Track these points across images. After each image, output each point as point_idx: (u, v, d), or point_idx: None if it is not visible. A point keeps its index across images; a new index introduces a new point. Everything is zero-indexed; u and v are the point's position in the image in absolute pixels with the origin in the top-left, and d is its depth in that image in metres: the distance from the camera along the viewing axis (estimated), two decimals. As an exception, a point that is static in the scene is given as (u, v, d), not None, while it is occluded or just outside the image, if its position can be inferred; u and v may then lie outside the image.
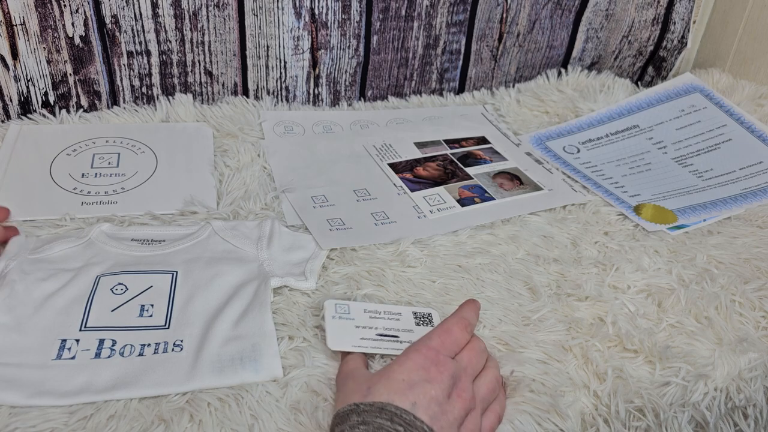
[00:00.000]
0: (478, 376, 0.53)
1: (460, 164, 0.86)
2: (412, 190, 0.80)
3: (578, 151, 0.91)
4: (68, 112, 0.86)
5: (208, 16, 0.87)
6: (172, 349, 0.55)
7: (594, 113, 0.97)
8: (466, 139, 0.92)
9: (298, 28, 0.90)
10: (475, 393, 0.51)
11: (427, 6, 0.96)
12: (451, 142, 0.91)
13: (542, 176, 0.85)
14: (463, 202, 0.79)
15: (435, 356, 0.50)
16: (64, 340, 0.55)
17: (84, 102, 0.88)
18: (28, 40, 0.80)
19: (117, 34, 0.84)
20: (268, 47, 0.91)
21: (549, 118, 0.99)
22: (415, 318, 0.60)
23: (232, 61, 0.91)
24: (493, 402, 0.53)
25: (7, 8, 0.78)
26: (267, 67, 0.93)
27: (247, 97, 0.94)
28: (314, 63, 0.94)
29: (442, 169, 0.85)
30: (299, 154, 0.85)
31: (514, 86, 1.06)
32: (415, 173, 0.84)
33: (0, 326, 0.55)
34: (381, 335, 0.58)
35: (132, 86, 0.89)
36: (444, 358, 0.50)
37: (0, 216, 0.66)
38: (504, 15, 1.01)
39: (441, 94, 1.04)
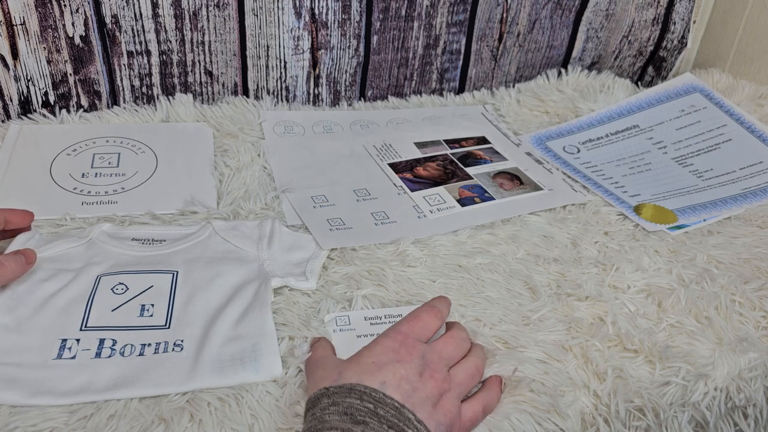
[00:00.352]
0: (457, 363, 0.53)
1: (460, 164, 0.86)
2: (412, 190, 0.80)
3: (578, 151, 0.91)
4: (68, 112, 0.86)
5: (208, 16, 0.87)
6: (173, 349, 0.55)
7: (594, 113, 0.97)
8: (466, 139, 0.92)
9: (298, 28, 0.91)
10: (451, 376, 0.51)
11: (427, 6, 0.96)
12: (451, 142, 0.91)
13: (542, 176, 0.85)
14: (463, 202, 0.79)
15: (404, 339, 0.50)
16: (64, 340, 0.55)
17: (84, 102, 0.88)
18: (28, 40, 0.81)
19: (117, 34, 0.84)
20: (268, 47, 0.91)
21: (549, 118, 0.99)
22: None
23: (232, 61, 0.91)
24: (480, 392, 0.53)
25: (7, 8, 0.78)
26: (267, 67, 0.93)
27: (247, 97, 0.94)
28: (314, 63, 0.94)
29: (442, 169, 0.85)
30: (299, 154, 0.85)
31: (514, 86, 1.06)
32: (415, 173, 0.84)
33: (0, 326, 0.55)
34: None
35: (132, 86, 0.89)
36: (413, 341, 0.50)
37: (25, 220, 0.64)
38: (504, 15, 1.01)
39: (441, 94, 1.04)
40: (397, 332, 0.51)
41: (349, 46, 0.95)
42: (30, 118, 0.84)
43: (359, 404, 0.45)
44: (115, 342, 0.56)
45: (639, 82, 1.15)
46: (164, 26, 0.86)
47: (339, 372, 0.48)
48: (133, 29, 0.85)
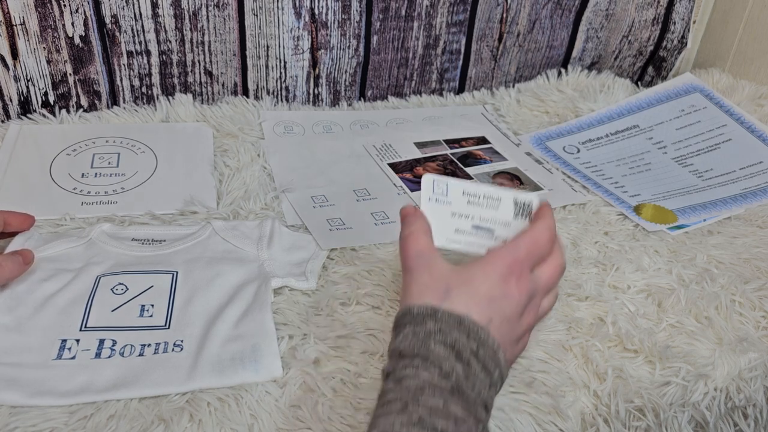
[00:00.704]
0: (548, 293, 0.51)
1: (460, 164, 0.86)
2: (412, 190, 0.80)
3: (578, 151, 0.91)
4: (68, 112, 0.86)
5: (208, 16, 0.87)
6: (173, 349, 0.55)
7: (594, 113, 0.97)
8: (466, 139, 0.92)
9: (298, 28, 0.91)
10: (540, 307, 0.51)
11: (427, 6, 0.96)
12: (451, 142, 0.91)
13: (542, 176, 0.85)
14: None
15: (519, 270, 0.48)
16: (64, 340, 0.55)
17: (84, 102, 0.88)
18: (28, 40, 0.80)
19: (117, 34, 0.84)
20: (268, 47, 0.91)
21: (549, 118, 0.99)
22: (516, 207, 0.54)
23: (232, 61, 0.91)
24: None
25: (7, 8, 0.78)
26: (267, 67, 0.93)
27: (247, 97, 0.94)
28: (314, 63, 0.94)
29: (442, 169, 0.85)
30: (299, 154, 0.85)
31: (514, 86, 1.06)
32: (415, 173, 0.84)
33: (0, 326, 0.55)
34: (476, 227, 0.53)
35: (132, 86, 0.89)
36: (526, 273, 0.48)
37: (25, 223, 0.65)
38: (504, 15, 1.01)
39: (441, 94, 1.04)
40: (515, 260, 0.48)
41: (349, 46, 0.95)
42: (30, 118, 0.84)
43: (465, 341, 0.44)
44: (114, 342, 0.56)
45: (639, 82, 1.15)
46: (164, 26, 0.86)
47: (446, 289, 0.46)
48: (132, 29, 0.85)
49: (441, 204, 0.53)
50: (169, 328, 0.57)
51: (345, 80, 0.98)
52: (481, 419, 0.43)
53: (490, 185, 0.57)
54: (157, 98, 0.90)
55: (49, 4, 0.79)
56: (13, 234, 0.64)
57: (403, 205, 0.53)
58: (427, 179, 0.54)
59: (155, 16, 0.84)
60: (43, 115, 0.85)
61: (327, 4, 0.90)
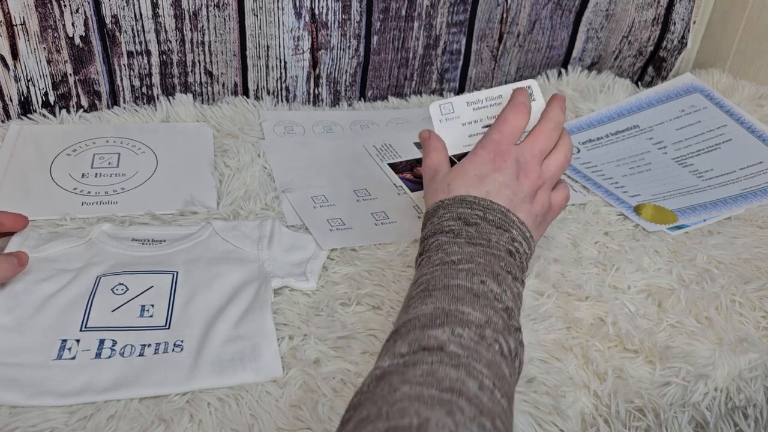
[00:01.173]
0: (548, 155, 0.58)
1: (460, 164, 0.86)
2: (413, 190, 0.80)
3: (578, 151, 0.91)
4: (68, 112, 0.86)
5: (208, 16, 0.87)
6: (173, 350, 0.55)
7: (594, 113, 0.97)
8: (466, 139, 0.92)
9: (298, 28, 0.91)
10: (543, 171, 0.58)
11: (427, 6, 0.96)
12: (451, 142, 0.91)
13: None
14: (463, 202, 0.79)
15: (497, 147, 0.57)
16: (64, 341, 0.55)
17: (84, 102, 0.88)
18: (28, 40, 0.81)
19: (117, 34, 0.84)
20: (268, 47, 0.91)
21: (549, 118, 0.99)
22: None
23: (232, 61, 0.91)
24: (559, 151, 0.59)
25: (7, 8, 0.78)
26: (267, 67, 0.93)
27: (247, 97, 0.94)
28: (314, 63, 0.94)
29: (442, 169, 0.85)
30: (299, 154, 0.85)
31: (514, 86, 1.06)
32: (415, 173, 0.84)
33: (0, 326, 0.55)
34: (486, 126, 0.62)
35: (132, 86, 0.89)
36: (506, 146, 0.57)
37: (18, 223, 0.65)
38: (504, 15, 1.01)
39: (441, 95, 1.04)
40: (490, 141, 0.57)
41: (349, 46, 0.95)
42: (30, 119, 0.84)
43: (470, 212, 0.54)
44: (115, 342, 0.56)
45: (639, 82, 1.15)
46: (164, 26, 0.86)
47: (448, 184, 0.56)
48: (133, 29, 0.85)
49: (451, 120, 0.63)
50: (169, 328, 0.57)
51: (345, 80, 0.98)
52: (504, 258, 0.51)
53: (490, 89, 0.65)
54: (158, 98, 0.90)
55: (49, 4, 0.79)
56: (6, 234, 0.64)
57: (420, 131, 0.64)
58: (434, 106, 0.63)
59: (155, 16, 0.84)
60: (44, 115, 0.85)
61: (327, 5, 0.90)
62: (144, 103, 0.90)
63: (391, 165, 0.85)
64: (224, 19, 0.88)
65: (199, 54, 0.89)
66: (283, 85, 0.95)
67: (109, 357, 0.54)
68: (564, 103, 0.60)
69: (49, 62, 0.83)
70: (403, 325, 0.46)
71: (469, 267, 0.49)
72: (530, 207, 0.56)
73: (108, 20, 0.83)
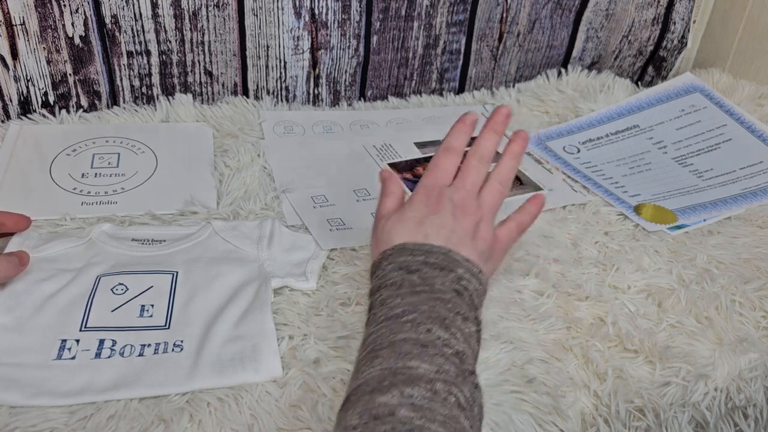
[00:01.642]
0: (481, 188, 0.59)
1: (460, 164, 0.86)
2: (413, 190, 0.80)
3: (578, 151, 0.91)
4: (68, 112, 0.86)
5: (208, 16, 0.87)
6: (173, 350, 0.55)
7: (594, 113, 0.97)
8: (466, 139, 0.92)
9: (298, 28, 0.90)
10: (480, 204, 0.58)
11: (427, 6, 0.96)
12: (451, 142, 0.91)
13: (542, 176, 0.85)
14: (463, 202, 0.79)
15: (429, 192, 0.58)
16: (64, 341, 0.55)
17: (84, 102, 0.88)
18: (28, 40, 0.80)
19: (117, 34, 0.84)
20: (268, 47, 0.91)
21: (549, 118, 0.99)
22: None
23: (232, 61, 0.91)
24: (514, 212, 0.61)
25: (7, 8, 0.78)
26: (267, 67, 0.93)
27: (247, 97, 0.94)
28: (314, 63, 0.94)
29: (442, 169, 0.85)
30: (299, 154, 0.85)
31: (514, 86, 1.06)
32: (415, 173, 0.84)
33: (0, 326, 0.55)
34: None
35: (132, 86, 0.89)
36: (438, 189, 0.58)
37: (20, 224, 0.65)
38: (504, 15, 1.01)
39: (441, 94, 1.04)
40: (423, 186, 0.59)
41: (349, 46, 0.95)
42: (30, 119, 0.84)
43: (411, 258, 0.53)
44: (114, 342, 0.56)
45: (639, 82, 1.15)
46: (164, 26, 0.86)
47: (389, 233, 0.56)
48: (132, 29, 0.85)
49: None
50: (169, 328, 0.57)
51: (345, 80, 0.98)
52: (450, 300, 0.50)
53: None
54: (157, 98, 0.90)
55: (49, 4, 0.79)
56: (8, 235, 0.64)
57: (381, 170, 0.64)
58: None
59: (155, 16, 0.84)
60: (43, 115, 0.85)
61: (327, 4, 0.90)
62: (144, 103, 0.90)
63: (391, 165, 0.85)
64: (224, 19, 0.88)
65: (198, 54, 0.89)
66: (283, 85, 0.95)
67: (109, 357, 0.54)
68: (493, 132, 0.60)
69: (48, 62, 0.83)
70: (353, 393, 0.44)
71: (413, 317, 0.48)
72: (473, 243, 0.55)
73: (108, 20, 0.83)
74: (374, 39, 0.96)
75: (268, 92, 0.95)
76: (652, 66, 1.15)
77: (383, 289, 0.52)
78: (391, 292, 0.51)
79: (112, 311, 0.58)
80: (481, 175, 0.59)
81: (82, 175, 0.76)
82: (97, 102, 0.88)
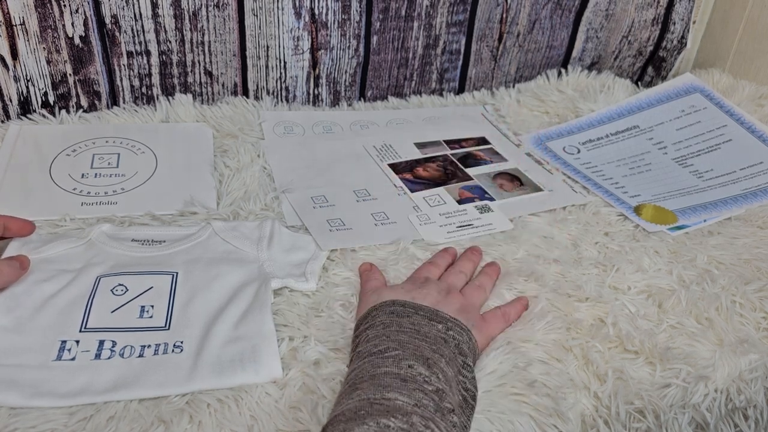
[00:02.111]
0: (462, 289, 0.63)
1: (460, 165, 0.86)
2: (412, 191, 0.80)
3: (578, 151, 0.91)
4: (68, 112, 0.86)
5: (208, 17, 0.87)
6: (172, 351, 0.55)
7: (594, 113, 0.97)
8: (466, 140, 0.92)
9: (298, 28, 0.90)
10: (464, 294, 0.62)
11: (427, 6, 0.95)
12: (451, 143, 0.91)
13: (542, 177, 0.85)
14: (463, 202, 0.79)
15: (416, 280, 0.62)
16: (64, 341, 0.55)
17: (84, 102, 0.87)
18: (28, 40, 0.80)
19: (117, 34, 0.84)
20: (268, 47, 0.91)
21: (549, 119, 0.99)
22: (478, 209, 0.77)
23: (232, 61, 0.91)
24: (500, 305, 0.63)
25: (7, 8, 0.78)
26: (267, 67, 0.93)
27: (247, 97, 0.94)
28: (314, 63, 0.94)
29: (442, 169, 0.85)
30: (299, 155, 0.85)
31: (514, 86, 1.06)
32: (415, 174, 0.84)
33: (0, 327, 0.55)
34: (460, 227, 0.74)
35: (132, 86, 0.89)
36: (424, 279, 0.62)
37: (24, 229, 0.65)
38: (504, 15, 1.01)
39: (441, 95, 1.04)
40: (409, 278, 0.64)
41: (349, 46, 0.95)
42: (29, 119, 0.84)
43: (401, 309, 0.56)
44: (114, 343, 0.55)
45: (639, 82, 1.15)
46: (164, 26, 0.85)
47: (378, 295, 0.59)
48: (132, 29, 0.84)
49: (428, 225, 0.75)
50: (169, 329, 0.57)
51: (345, 80, 0.98)
52: (435, 344, 0.52)
53: (454, 204, 0.78)
54: (157, 98, 0.90)
55: (49, 4, 0.79)
56: (8, 237, 0.64)
57: (361, 264, 0.67)
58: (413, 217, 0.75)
59: (155, 16, 0.84)
60: (43, 116, 0.84)
61: (327, 5, 0.90)
62: (144, 103, 0.90)
63: (391, 165, 0.85)
64: (224, 19, 0.88)
65: (198, 54, 0.89)
66: (283, 85, 0.95)
67: (109, 358, 0.54)
68: (468, 260, 0.67)
69: (48, 62, 0.83)
70: (330, 423, 0.45)
71: (396, 354, 0.50)
72: (459, 311, 0.58)
73: (108, 20, 0.83)
74: (374, 39, 0.96)
75: (268, 92, 0.95)
76: (651, 66, 1.15)
77: (370, 330, 0.54)
78: (378, 331, 0.53)
79: (112, 312, 0.58)
80: (462, 282, 0.64)
81: (82, 175, 0.76)
82: (97, 102, 0.88)
